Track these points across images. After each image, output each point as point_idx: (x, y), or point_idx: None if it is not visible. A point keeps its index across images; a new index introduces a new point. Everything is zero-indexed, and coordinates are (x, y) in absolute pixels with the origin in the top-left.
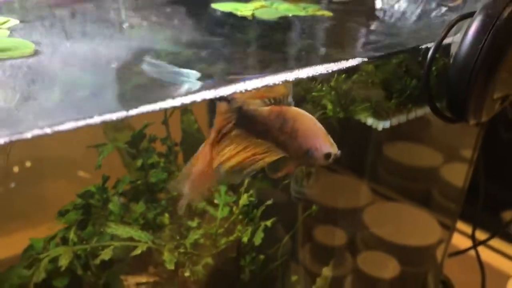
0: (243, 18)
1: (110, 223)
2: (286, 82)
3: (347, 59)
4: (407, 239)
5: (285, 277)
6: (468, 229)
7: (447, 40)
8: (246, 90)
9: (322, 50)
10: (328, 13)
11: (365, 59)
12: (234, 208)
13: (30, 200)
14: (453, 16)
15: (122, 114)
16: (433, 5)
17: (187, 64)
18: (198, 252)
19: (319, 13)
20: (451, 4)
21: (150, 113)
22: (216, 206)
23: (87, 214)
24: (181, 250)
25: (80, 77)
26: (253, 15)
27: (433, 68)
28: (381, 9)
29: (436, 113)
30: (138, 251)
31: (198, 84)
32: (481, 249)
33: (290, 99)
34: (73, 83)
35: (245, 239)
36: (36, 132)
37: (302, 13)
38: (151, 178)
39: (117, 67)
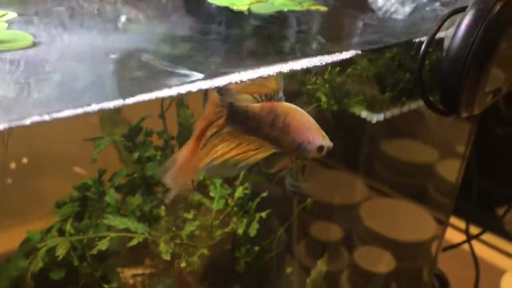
0: (239, 12)
1: (107, 214)
2: (278, 76)
3: (340, 52)
4: (402, 234)
5: (280, 269)
6: (462, 224)
7: (440, 34)
8: (241, 81)
9: (317, 43)
10: (323, 8)
11: (359, 52)
12: (230, 201)
13: (27, 196)
14: (446, 10)
15: (119, 102)
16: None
17: (182, 58)
18: (193, 243)
19: (314, 7)
20: None
21: (146, 107)
22: (212, 199)
23: (84, 206)
24: (177, 241)
25: (77, 68)
26: (249, 9)
27: (427, 62)
28: (375, 3)
29: (429, 106)
30: (134, 242)
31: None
32: (475, 244)
33: (281, 94)
34: (71, 74)
35: (240, 230)
36: (35, 119)
37: (298, 8)
38: (147, 171)
39: (114, 59)
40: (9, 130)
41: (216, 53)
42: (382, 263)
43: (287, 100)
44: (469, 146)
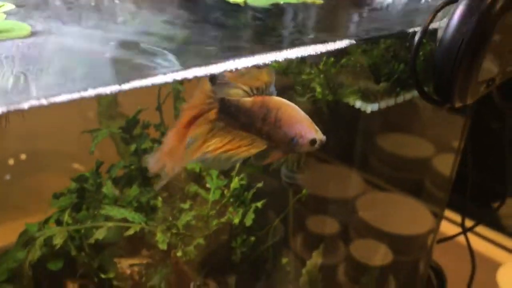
0: (235, 4)
1: (104, 205)
2: (269, 70)
3: (334, 41)
4: (397, 227)
5: (275, 259)
6: (458, 218)
7: (434, 25)
8: (235, 69)
9: (312, 34)
10: (318, 1)
11: (353, 41)
12: (226, 191)
13: (26, 191)
14: (440, 1)
15: (115, 88)
16: None
17: (179, 48)
18: (190, 233)
19: (310, 0)
20: None
21: (144, 100)
22: (208, 190)
23: (81, 198)
24: (174, 231)
25: (75, 57)
26: (245, 2)
27: (421, 53)
28: None
29: (423, 95)
30: (131, 232)
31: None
32: (471, 237)
33: (272, 88)
34: (68, 63)
35: (236, 220)
36: (33, 103)
37: (293, 0)
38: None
39: (111, 49)
40: (8, 114)
41: (211, 43)
42: (378, 256)
43: (281, 92)
44: (463, 140)
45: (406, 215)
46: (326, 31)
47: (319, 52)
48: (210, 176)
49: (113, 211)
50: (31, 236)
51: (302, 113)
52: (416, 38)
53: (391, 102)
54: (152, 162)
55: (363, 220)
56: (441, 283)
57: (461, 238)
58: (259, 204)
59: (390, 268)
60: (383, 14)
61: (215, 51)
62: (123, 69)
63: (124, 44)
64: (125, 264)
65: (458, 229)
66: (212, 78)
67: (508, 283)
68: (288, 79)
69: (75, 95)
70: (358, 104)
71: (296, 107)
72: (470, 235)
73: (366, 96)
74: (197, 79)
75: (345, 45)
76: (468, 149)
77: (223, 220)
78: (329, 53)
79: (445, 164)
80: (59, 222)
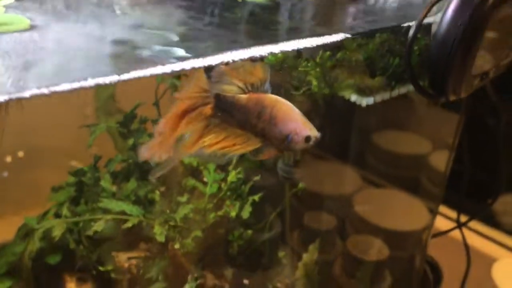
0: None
1: (103, 198)
2: (265, 66)
3: (330, 34)
4: (393, 223)
5: (272, 252)
6: (454, 214)
7: (429, 20)
8: (233, 60)
9: (308, 28)
10: None
11: (348, 35)
12: (223, 185)
13: (23, 187)
14: None
15: (114, 78)
16: None
17: (177, 41)
18: (187, 226)
19: None
20: None
21: (141, 95)
22: (205, 184)
23: (80, 191)
24: (171, 223)
25: (73, 49)
26: None
27: (416, 47)
28: None
29: (417, 89)
30: (129, 224)
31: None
32: (467, 233)
33: (267, 85)
34: (67, 54)
35: (233, 213)
36: (34, 91)
37: None
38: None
39: (109, 42)
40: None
41: (209, 36)
42: (374, 251)
43: (277, 86)
44: (458, 138)
45: (402, 210)
46: (322, 25)
47: (315, 45)
48: (207, 170)
49: (111, 204)
50: (30, 228)
51: (296, 110)
52: (411, 32)
53: (386, 96)
54: (143, 150)
55: (359, 215)
56: (437, 277)
57: (457, 234)
58: (256, 198)
59: (386, 263)
60: (379, 8)
61: (211, 44)
62: (122, 61)
63: (123, 37)
64: (123, 258)
65: (454, 225)
66: (208, 70)
67: (503, 278)
68: (284, 73)
69: (75, 85)
70: (354, 97)
71: (291, 104)
72: (465, 231)
73: (362, 90)
74: (194, 71)
75: (340, 39)
76: (464, 145)
77: (220, 213)
78: (325, 47)
79: (440, 160)
80: (57, 216)
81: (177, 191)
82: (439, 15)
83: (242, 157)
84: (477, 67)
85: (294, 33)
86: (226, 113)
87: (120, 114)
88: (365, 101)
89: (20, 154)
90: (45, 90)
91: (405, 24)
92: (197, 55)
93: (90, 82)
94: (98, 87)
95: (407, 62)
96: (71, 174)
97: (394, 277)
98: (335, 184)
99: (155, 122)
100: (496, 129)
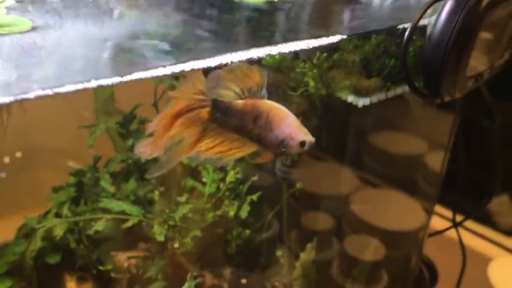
0: (231, 1)
1: (103, 198)
2: (262, 72)
3: (327, 36)
4: (390, 223)
5: (270, 252)
6: (450, 214)
7: (424, 22)
8: (231, 62)
9: (305, 30)
10: None
11: (344, 36)
12: (221, 185)
13: (22, 188)
14: None
15: (116, 79)
16: None
17: (175, 43)
18: (186, 225)
19: None
20: None
21: (140, 97)
22: (204, 184)
23: (80, 192)
24: (171, 223)
25: (75, 50)
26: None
27: (411, 49)
28: None
29: (412, 89)
30: (129, 224)
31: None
32: (462, 233)
33: (264, 91)
34: (69, 55)
35: (231, 213)
36: (39, 93)
37: None
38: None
39: (109, 43)
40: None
41: (206, 38)
42: (371, 250)
43: (274, 87)
44: (452, 138)
45: (398, 210)
46: (319, 28)
47: (311, 47)
48: (206, 170)
49: (111, 204)
50: (32, 228)
51: (292, 116)
52: (407, 32)
53: (382, 96)
54: (137, 147)
55: (356, 215)
56: (433, 276)
57: (453, 234)
58: (254, 197)
59: (382, 262)
60: (374, 10)
61: (209, 47)
62: (123, 62)
63: (123, 39)
64: (123, 257)
65: (449, 224)
66: (207, 72)
67: (499, 277)
68: (282, 74)
69: (79, 86)
70: (350, 98)
71: (286, 110)
72: (461, 231)
73: (358, 91)
74: (192, 73)
75: (337, 40)
76: (459, 146)
77: (219, 213)
78: (322, 48)
79: (436, 161)
80: (58, 216)
81: (176, 191)
82: (434, 17)
83: (240, 158)
84: (471, 69)
85: (291, 35)
86: (223, 118)
87: (119, 115)
88: (362, 102)
89: (19, 154)
90: (49, 92)
91: (401, 26)
92: (196, 57)
93: (93, 83)
94: (97, 88)
95: (403, 63)
96: (71, 174)
97: (390, 276)
98: (332, 184)
99: None
100: (490, 130)
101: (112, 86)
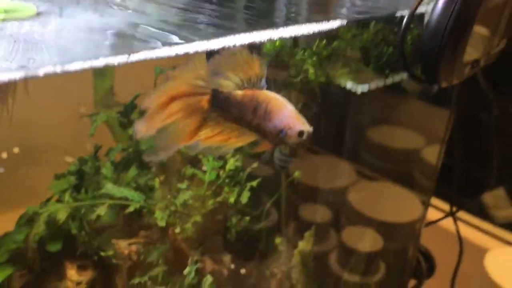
0: None
1: (104, 183)
2: (262, 62)
3: (328, 21)
4: (388, 215)
5: (269, 240)
6: (446, 207)
7: (422, 9)
8: (234, 45)
9: (306, 16)
10: None
11: (344, 22)
12: (221, 172)
13: (19, 185)
14: None
15: (123, 58)
16: None
17: (179, 27)
18: (187, 211)
19: None
20: None
21: (140, 86)
22: (204, 172)
23: (81, 179)
24: (172, 208)
25: (80, 35)
26: None
27: (409, 37)
28: None
29: (410, 75)
30: (131, 209)
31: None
32: (459, 225)
33: (263, 82)
34: (74, 39)
35: (232, 199)
36: (48, 69)
37: None
38: (142, 146)
39: (113, 28)
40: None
41: (209, 22)
42: (369, 241)
43: (275, 74)
44: (448, 132)
45: (395, 202)
46: (320, 14)
47: (312, 32)
48: (206, 158)
49: (113, 190)
50: (35, 213)
51: (290, 106)
52: (405, 19)
53: (380, 83)
54: (136, 124)
55: (353, 206)
56: (431, 267)
57: (449, 225)
58: (254, 183)
59: (380, 253)
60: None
61: (213, 31)
62: (128, 44)
63: (125, 24)
64: (123, 245)
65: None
66: (209, 56)
67: (495, 268)
68: (282, 61)
69: (87, 64)
70: (349, 85)
71: (285, 100)
72: (457, 222)
73: (357, 78)
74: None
75: (337, 26)
76: (457, 139)
77: (219, 199)
78: (321, 35)
79: (432, 154)
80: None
81: (177, 179)
82: (432, 4)
83: (239, 147)
84: (468, 55)
85: (292, 20)
86: (223, 108)
87: (119, 107)
88: (360, 88)
89: (16, 150)
90: (58, 68)
91: (399, 14)
92: (201, 39)
93: (101, 61)
94: (96, 80)
95: (401, 49)
96: (73, 163)
97: (388, 266)
98: (330, 176)
99: None
100: (488, 122)
101: (119, 65)
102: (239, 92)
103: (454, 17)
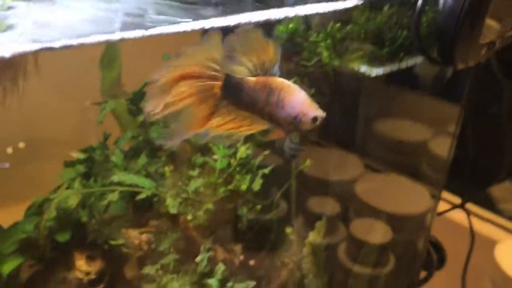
0: None
1: (115, 170)
2: (276, 48)
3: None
4: (399, 207)
5: (279, 229)
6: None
7: None
8: (249, 22)
9: None
10: None
11: (360, 2)
12: (232, 161)
13: (24, 179)
14: None
15: (140, 33)
16: None
17: (189, 8)
18: (199, 199)
19: None
20: None
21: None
22: (214, 161)
23: (90, 168)
24: (183, 195)
25: (95, 13)
26: None
27: (423, 19)
28: None
29: (426, 56)
30: (143, 196)
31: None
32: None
33: (276, 68)
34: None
35: (243, 187)
36: (65, 42)
37: None
38: (152, 134)
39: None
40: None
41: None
42: (380, 233)
43: (288, 59)
44: (459, 126)
45: (407, 194)
46: None
47: (327, 11)
48: (216, 146)
49: (124, 177)
50: (46, 198)
51: (302, 92)
52: (420, 1)
53: (395, 67)
54: (146, 98)
55: (361, 198)
56: (441, 258)
57: (459, 217)
58: (266, 170)
59: (391, 244)
60: None
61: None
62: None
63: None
64: (133, 234)
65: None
66: (227, 31)
67: (506, 259)
68: (295, 45)
69: (103, 37)
70: (363, 68)
71: (297, 87)
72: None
73: (371, 61)
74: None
75: (353, 5)
76: (468, 132)
77: (230, 187)
78: (336, 18)
79: (443, 146)
80: None
81: (187, 167)
82: None
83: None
84: (484, 36)
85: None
86: (235, 95)
87: (126, 96)
88: (375, 72)
89: (21, 145)
90: (74, 42)
91: None
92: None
93: (117, 35)
94: (103, 70)
95: (416, 29)
96: (82, 150)
97: (399, 257)
98: (340, 167)
99: None
100: (499, 112)
101: (135, 39)
102: (252, 79)
103: None
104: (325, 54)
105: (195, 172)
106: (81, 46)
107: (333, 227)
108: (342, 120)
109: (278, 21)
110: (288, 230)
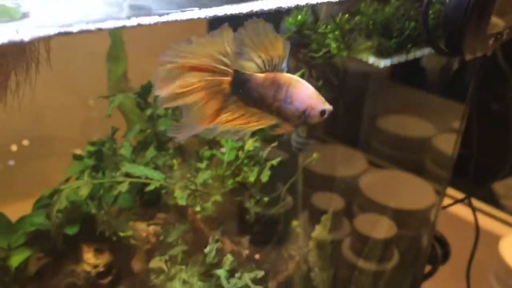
0: None
1: (124, 163)
2: (285, 43)
3: None
4: (404, 203)
5: (286, 222)
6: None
7: None
8: (262, 9)
9: None
10: None
11: None
12: (240, 153)
13: (29, 176)
14: None
15: (154, 19)
16: None
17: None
18: (207, 191)
19: None
20: None
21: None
22: (223, 153)
23: (99, 161)
24: (192, 187)
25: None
26: None
27: (430, 11)
28: None
29: (434, 47)
30: (152, 187)
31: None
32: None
33: (284, 64)
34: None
35: (251, 178)
36: (82, 26)
37: None
38: (160, 127)
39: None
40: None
41: None
42: (385, 229)
43: (296, 51)
44: (464, 123)
45: (413, 189)
46: None
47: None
48: (224, 139)
49: (132, 169)
50: (56, 189)
51: (310, 87)
52: None
53: (402, 58)
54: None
55: (366, 194)
56: (445, 252)
57: (464, 212)
58: (274, 162)
59: (395, 239)
60: None
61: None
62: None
63: None
64: (141, 227)
65: (465, 208)
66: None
67: (509, 253)
68: (304, 36)
69: (119, 23)
70: (372, 59)
71: (305, 82)
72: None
73: (379, 52)
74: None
75: None
76: (473, 129)
77: (238, 179)
78: (344, 9)
79: (448, 142)
80: None
81: (195, 160)
82: None
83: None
84: (492, 27)
85: None
86: (243, 91)
87: (132, 91)
88: (383, 63)
89: (26, 142)
90: (92, 26)
91: None
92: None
93: (133, 21)
94: (110, 65)
95: (424, 20)
96: (90, 143)
97: (404, 251)
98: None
99: None
100: (503, 110)
101: (150, 25)
102: (260, 75)
103: None
104: (333, 45)
105: (203, 165)
106: (99, 31)
107: (338, 222)
108: (348, 117)
109: (287, 12)
110: (295, 223)
